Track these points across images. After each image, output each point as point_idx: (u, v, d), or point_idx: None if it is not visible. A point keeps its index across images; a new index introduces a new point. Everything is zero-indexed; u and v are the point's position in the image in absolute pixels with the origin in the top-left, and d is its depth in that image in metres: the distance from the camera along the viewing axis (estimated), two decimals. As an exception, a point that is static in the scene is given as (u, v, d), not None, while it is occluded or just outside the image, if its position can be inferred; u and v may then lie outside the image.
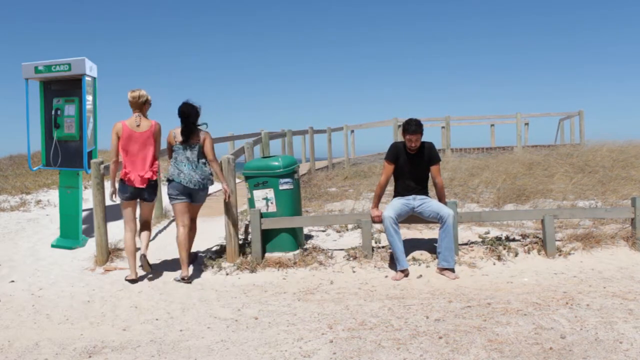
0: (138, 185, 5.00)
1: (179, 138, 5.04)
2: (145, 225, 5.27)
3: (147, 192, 5.10)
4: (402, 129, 5.07)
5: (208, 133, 5.14)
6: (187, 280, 5.01)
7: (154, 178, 5.09)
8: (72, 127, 6.48)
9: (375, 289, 4.64)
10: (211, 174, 5.22)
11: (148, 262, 5.11)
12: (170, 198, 5.15)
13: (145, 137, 5.04)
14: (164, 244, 6.26)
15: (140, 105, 5.05)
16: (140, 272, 5.21)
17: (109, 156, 5.24)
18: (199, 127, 5.08)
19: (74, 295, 4.88)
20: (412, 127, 4.94)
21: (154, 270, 5.36)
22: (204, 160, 5.10)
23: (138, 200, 5.16)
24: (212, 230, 6.74)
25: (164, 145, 5.43)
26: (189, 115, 5.01)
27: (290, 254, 5.42)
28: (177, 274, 5.26)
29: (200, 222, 7.15)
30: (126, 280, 5.10)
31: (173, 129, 5.13)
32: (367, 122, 18.12)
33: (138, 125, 5.03)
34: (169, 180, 5.11)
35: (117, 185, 5.15)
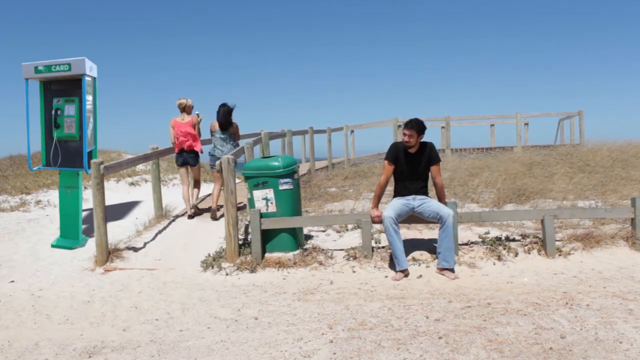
0: (186, 149, 7.46)
1: (217, 127, 7.55)
2: (196, 184, 7.73)
3: (191, 159, 7.53)
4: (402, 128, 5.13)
5: (235, 123, 7.68)
6: (215, 217, 7.33)
7: (194, 148, 7.47)
8: (72, 127, 6.49)
9: (375, 289, 4.64)
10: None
11: (198, 208, 7.70)
12: (210, 167, 7.86)
13: (187, 125, 7.42)
14: (166, 245, 6.27)
15: (184, 108, 7.51)
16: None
17: (170, 140, 7.61)
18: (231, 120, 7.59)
19: (74, 296, 4.88)
20: (410, 123, 5.01)
21: (155, 270, 5.41)
22: (232, 140, 7.60)
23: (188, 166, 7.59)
24: (212, 230, 6.75)
25: (204, 135, 7.89)
26: (227, 112, 7.53)
27: (290, 254, 5.42)
28: (179, 274, 5.28)
29: (200, 221, 7.21)
30: (189, 218, 7.45)
31: (212, 122, 7.64)
32: (367, 122, 18.08)
33: (182, 119, 7.48)
34: (211, 155, 7.69)
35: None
